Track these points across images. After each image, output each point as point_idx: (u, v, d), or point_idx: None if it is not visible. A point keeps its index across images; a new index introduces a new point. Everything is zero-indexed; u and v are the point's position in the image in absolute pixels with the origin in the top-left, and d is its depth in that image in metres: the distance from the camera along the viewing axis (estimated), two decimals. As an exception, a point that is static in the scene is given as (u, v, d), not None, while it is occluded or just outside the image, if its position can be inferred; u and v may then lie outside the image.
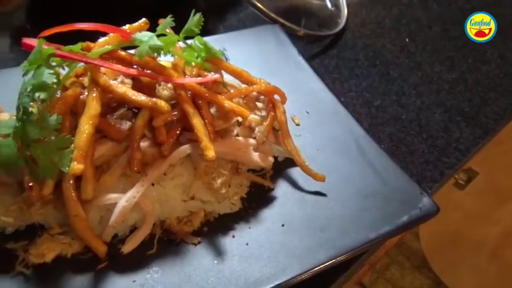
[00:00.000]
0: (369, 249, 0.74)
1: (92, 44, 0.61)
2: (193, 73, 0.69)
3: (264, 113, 0.79)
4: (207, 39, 1.05)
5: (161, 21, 0.66)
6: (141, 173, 0.62)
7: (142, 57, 0.58)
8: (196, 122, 0.62)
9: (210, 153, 0.61)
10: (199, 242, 0.68)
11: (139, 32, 0.64)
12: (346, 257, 0.67)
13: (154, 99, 0.59)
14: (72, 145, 0.55)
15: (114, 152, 0.62)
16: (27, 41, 0.56)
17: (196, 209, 0.69)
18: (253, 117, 0.73)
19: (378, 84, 1.19)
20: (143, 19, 0.65)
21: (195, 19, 0.66)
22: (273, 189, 0.78)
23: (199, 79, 0.64)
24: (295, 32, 1.17)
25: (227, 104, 0.66)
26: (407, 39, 1.39)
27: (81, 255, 0.63)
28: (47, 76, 0.52)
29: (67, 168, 0.54)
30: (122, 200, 0.60)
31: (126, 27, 0.63)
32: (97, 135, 0.61)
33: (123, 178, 0.63)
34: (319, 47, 1.28)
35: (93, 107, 0.56)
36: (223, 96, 0.67)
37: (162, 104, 0.59)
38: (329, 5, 1.41)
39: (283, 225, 0.71)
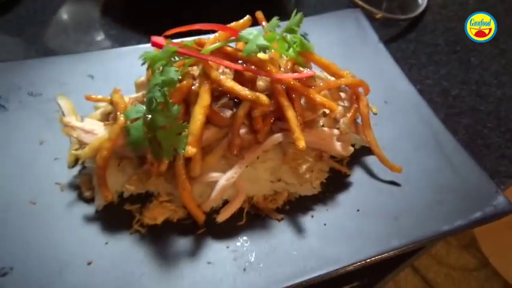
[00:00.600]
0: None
1: (204, 40, 0.68)
2: (288, 66, 0.74)
3: (346, 103, 0.84)
4: (287, 22, 1.11)
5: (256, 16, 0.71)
6: (238, 156, 0.71)
7: (251, 55, 0.64)
8: (290, 114, 0.69)
9: (301, 143, 0.67)
10: (282, 219, 0.76)
11: (243, 28, 0.70)
12: (418, 245, 0.72)
13: (256, 93, 0.66)
14: (187, 130, 0.64)
15: (217, 136, 0.71)
16: (156, 40, 0.65)
17: (281, 189, 0.77)
18: (339, 109, 0.78)
19: (457, 72, 1.17)
20: (247, 16, 0.71)
21: (296, 18, 0.70)
22: (349, 175, 0.84)
23: (296, 75, 0.70)
24: (374, 15, 1.17)
25: (318, 98, 0.71)
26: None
27: (184, 221, 0.75)
28: (174, 73, 0.61)
29: (183, 151, 0.63)
30: (222, 179, 0.70)
31: (233, 24, 0.70)
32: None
33: (222, 159, 0.72)
34: (398, 29, 1.27)
35: (205, 98, 0.65)
36: (313, 90, 0.72)
37: (264, 98, 0.66)
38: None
39: (358, 210, 0.78)
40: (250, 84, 0.70)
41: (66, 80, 0.90)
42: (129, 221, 0.74)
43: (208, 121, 0.70)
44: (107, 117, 0.75)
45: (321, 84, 0.78)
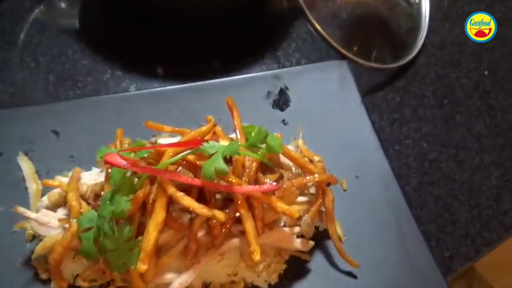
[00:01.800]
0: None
1: (162, 148, 0.65)
2: (253, 168, 0.72)
3: (313, 190, 0.83)
4: (268, 74, 1.06)
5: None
6: (194, 259, 0.71)
7: (208, 179, 0.62)
8: (248, 226, 0.68)
9: (256, 257, 0.67)
10: (239, 306, 0.78)
11: (206, 134, 0.67)
12: None
13: (213, 211, 0.65)
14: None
15: (174, 238, 0.71)
16: (110, 159, 0.62)
17: (237, 279, 0.79)
18: (299, 207, 0.77)
19: (439, 132, 1.15)
20: (212, 122, 0.67)
21: (260, 135, 0.67)
22: (309, 261, 0.85)
23: (258, 188, 0.68)
24: (362, 66, 1.11)
25: (280, 207, 0.70)
26: (486, 72, 1.28)
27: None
28: (125, 204, 0.59)
29: (135, 267, 0.63)
30: (176, 282, 0.70)
31: (194, 133, 0.67)
32: (160, 224, 0.68)
33: (178, 258, 0.72)
34: (387, 75, 1.21)
35: (160, 215, 0.64)
36: (274, 198, 0.71)
37: (220, 216, 0.65)
38: (406, 26, 1.28)
39: (313, 303, 0.80)
40: (209, 194, 0.68)
41: (30, 136, 0.87)
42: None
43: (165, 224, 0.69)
44: (61, 203, 0.73)
45: (286, 179, 0.76)
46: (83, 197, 0.71)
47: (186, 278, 0.70)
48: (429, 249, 0.88)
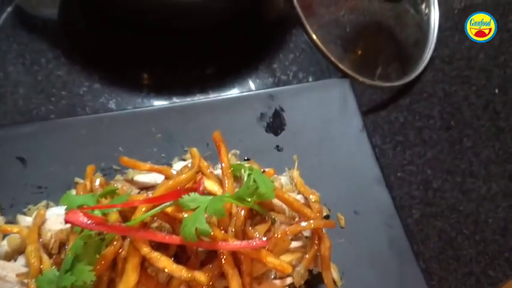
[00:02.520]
0: None
1: (134, 203, 0.56)
2: (241, 213, 0.64)
3: (307, 233, 0.75)
4: (261, 93, 0.96)
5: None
6: (173, 319, 0.63)
7: (188, 241, 0.53)
8: (234, 285, 0.60)
9: (243, 320, 0.60)
10: None
11: (187, 183, 0.58)
12: None
13: (194, 273, 0.56)
14: (108, 312, 0.55)
15: (149, 295, 0.62)
16: (71, 219, 0.52)
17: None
18: (292, 256, 0.69)
19: (445, 157, 1.07)
20: (193, 169, 0.58)
21: (250, 189, 0.58)
22: (301, 310, 0.77)
23: (246, 244, 0.59)
24: (365, 84, 1.02)
25: (270, 262, 0.62)
26: (496, 90, 1.19)
27: None
28: (88, 275, 0.50)
29: (102, 336, 0.55)
30: None
31: (174, 181, 0.57)
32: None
33: (155, 316, 0.64)
34: (391, 93, 1.12)
35: (132, 279, 0.55)
36: (265, 252, 0.63)
37: (202, 279, 0.57)
38: (413, 37, 1.19)
39: None
40: (190, 251, 0.60)
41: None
42: None
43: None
44: (22, 249, 0.64)
45: (278, 224, 0.68)
46: (45, 247, 0.62)
47: None
48: (431, 292, 0.81)
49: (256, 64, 1.08)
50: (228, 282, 0.60)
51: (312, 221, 0.69)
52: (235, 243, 0.59)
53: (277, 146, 0.92)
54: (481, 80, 1.20)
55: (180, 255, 0.62)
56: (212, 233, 0.57)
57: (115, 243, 0.57)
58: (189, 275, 0.56)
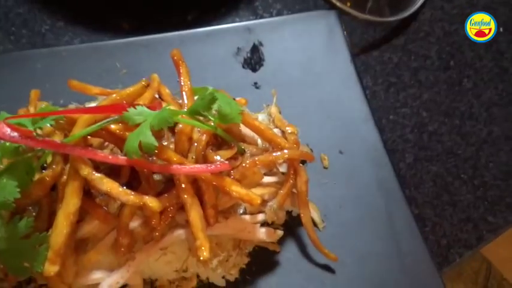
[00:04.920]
0: None
1: (75, 116, 0.49)
2: (203, 138, 0.56)
3: (283, 169, 0.68)
4: (238, 26, 0.87)
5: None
6: (127, 255, 0.57)
7: (131, 157, 0.46)
8: (194, 215, 0.54)
9: (203, 254, 0.53)
10: (190, 307, 0.65)
11: (135, 98, 0.50)
12: None
13: (144, 198, 0.50)
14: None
15: (101, 229, 0.56)
16: None
17: (189, 275, 0.65)
18: (264, 190, 0.62)
19: (443, 99, 0.98)
20: (142, 81, 0.50)
21: (205, 100, 0.50)
22: (278, 253, 0.71)
23: (203, 167, 0.52)
24: (355, 18, 0.93)
25: (235, 192, 0.55)
26: (501, 29, 1.09)
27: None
28: (11, 191, 0.43)
29: (41, 269, 0.49)
30: (105, 284, 0.56)
31: (120, 93, 0.50)
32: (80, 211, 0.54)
33: (109, 253, 0.58)
34: (384, 31, 1.03)
35: (72, 203, 0.48)
36: (230, 180, 0.55)
37: (153, 205, 0.50)
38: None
39: (279, 302, 0.67)
40: (143, 176, 0.53)
41: None
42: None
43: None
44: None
45: (248, 156, 0.61)
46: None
47: (117, 277, 0.57)
48: (423, 236, 0.74)
49: (236, 2, 0.99)
50: (187, 213, 0.54)
51: (286, 151, 0.61)
52: (192, 167, 0.52)
53: (255, 83, 0.84)
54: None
55: (134, 184, 0.55)
56: (166, 156, 0.50)
57: (54, 166, 0.50)
58: (138, 199, 0.49)
